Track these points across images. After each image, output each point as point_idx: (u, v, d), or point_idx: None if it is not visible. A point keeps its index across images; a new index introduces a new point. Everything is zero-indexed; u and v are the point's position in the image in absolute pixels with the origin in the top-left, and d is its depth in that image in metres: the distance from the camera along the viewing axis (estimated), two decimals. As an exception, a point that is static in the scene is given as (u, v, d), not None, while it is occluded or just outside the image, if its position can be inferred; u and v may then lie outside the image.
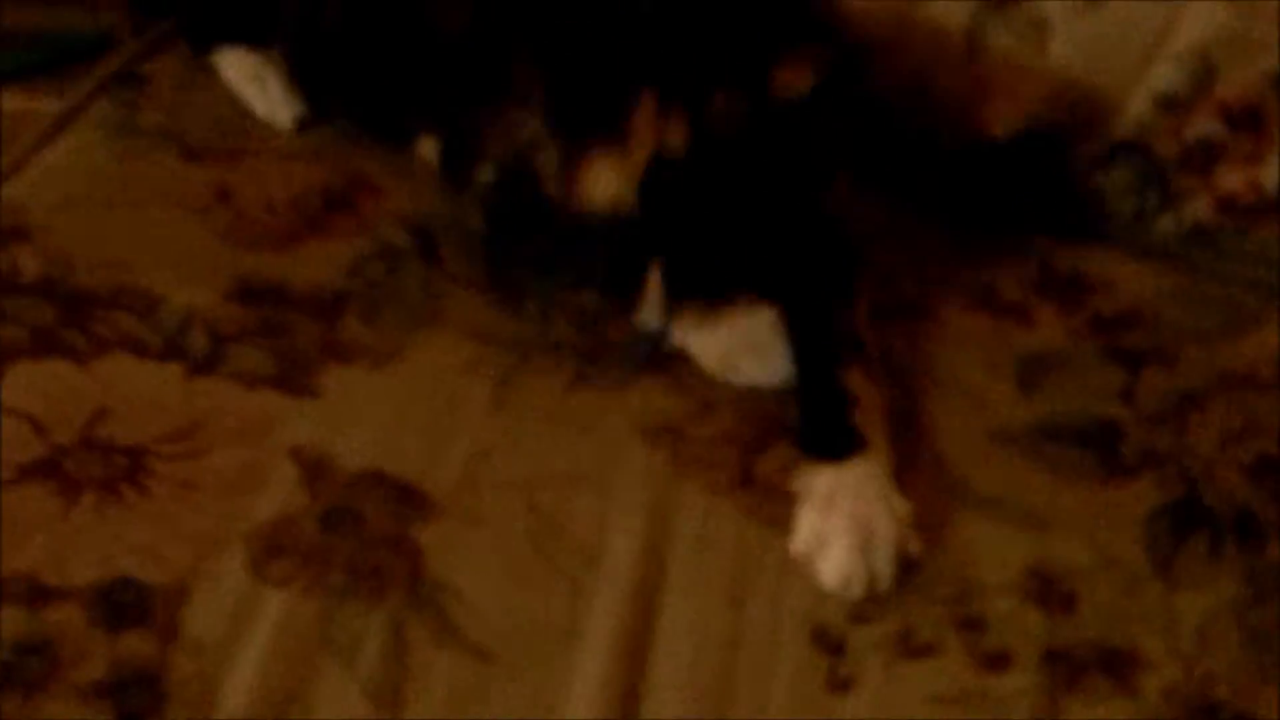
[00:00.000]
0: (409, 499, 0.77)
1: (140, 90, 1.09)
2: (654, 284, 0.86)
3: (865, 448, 0.79)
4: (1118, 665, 0.72)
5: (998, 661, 0.72)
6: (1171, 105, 0.95)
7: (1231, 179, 0.96)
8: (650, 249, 0.85)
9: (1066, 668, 0.72)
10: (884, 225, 0.99)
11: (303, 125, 1.07)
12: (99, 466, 0.77)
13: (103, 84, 1.10)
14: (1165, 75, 0.95)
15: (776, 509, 0.78)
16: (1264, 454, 0.82)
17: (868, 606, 0.74)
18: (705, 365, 0.86)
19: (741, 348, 0.85)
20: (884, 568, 0.75)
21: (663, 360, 0.87)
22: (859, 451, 0.79)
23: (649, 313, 0.86)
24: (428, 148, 1.02)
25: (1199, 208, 0.98)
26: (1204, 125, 0.95)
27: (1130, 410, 0.86)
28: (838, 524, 0.76)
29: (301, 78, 1.08)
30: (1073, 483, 0.81)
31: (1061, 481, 0.81)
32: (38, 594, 0.70)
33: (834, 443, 0.80)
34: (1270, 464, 0.82)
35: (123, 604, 0.71)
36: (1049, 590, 0.75)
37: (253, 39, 1.10)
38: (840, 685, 0.71)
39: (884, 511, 0.77)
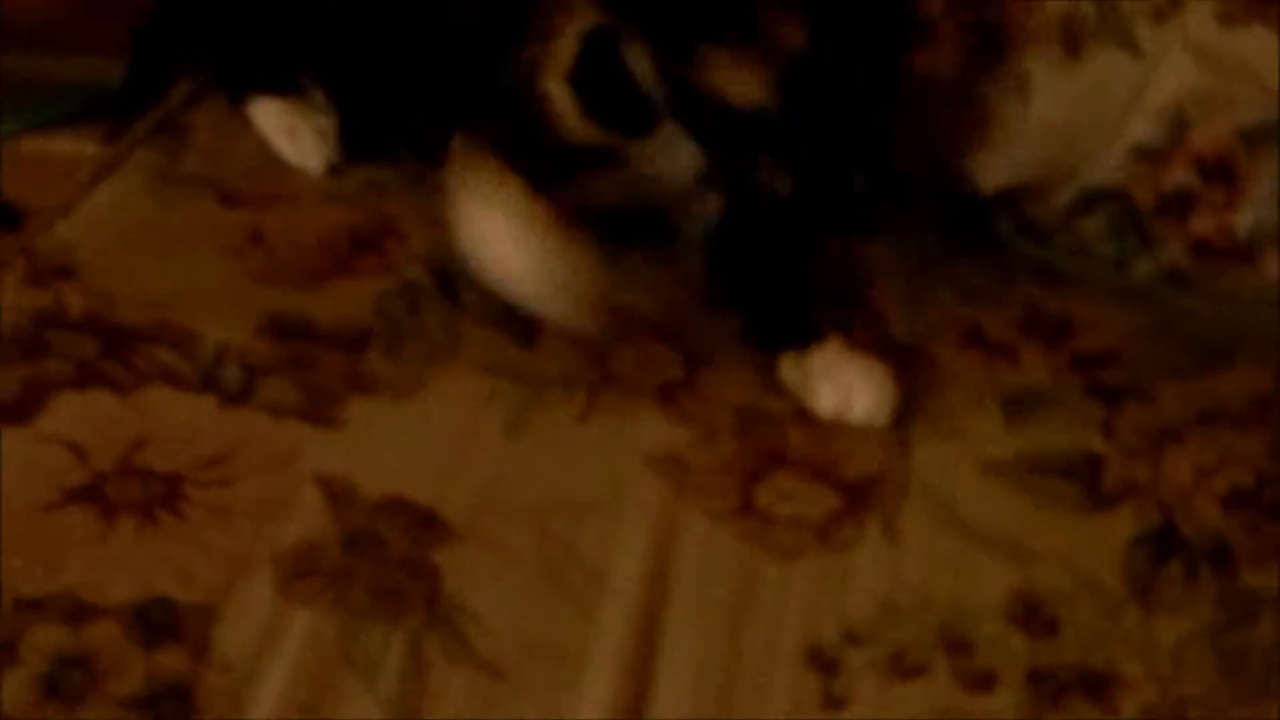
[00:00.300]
0: (427, 524, 0.79)
1: (181, 139, 1.12)
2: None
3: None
4: (1098, 686, 0.73)
5: (984, 682, 0.73)
6: (1148, 156, 0.97)
7: (1205, 225, 0.97)
8: (786, 148, 0.88)
9: (1049, 688, 0.73)
10: (877, 266, 1.01)
11: (333, 170, 1.09)
12: (137, 491, 0.80)
13: (146, 132, 1.12)
14: (1142, 128, 0.96)
15: (774, 535, 0.80)
16: (1238, 486, 0.83)
17: (861, 629, 0.75)
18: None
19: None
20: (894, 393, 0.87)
21: (671, 391, 0.89)
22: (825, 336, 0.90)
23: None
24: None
25: (1175, 252, 0.99)
26: (1179, 175, 0.96)
27: (1111, 444, 0.87)
28: (850, 375, 0.88)
29: (340, 110, 1.10)
30: (1056, 512, 0.82)
31: (1045, 511, 0.82)
32: (78, 611, 0.73)
33: (806, 330, 0.91)
34: (1244, 495, 0.83)
35: (157, 622, 0.73)
36: (1033, 615, 0.76)
37: (283, 88, 1.12)
38: (835, 704, 0.72)
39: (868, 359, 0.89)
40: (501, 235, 0.88)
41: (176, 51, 1.19)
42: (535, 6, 0.94)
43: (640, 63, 0.89)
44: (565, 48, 0.92)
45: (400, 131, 1.09)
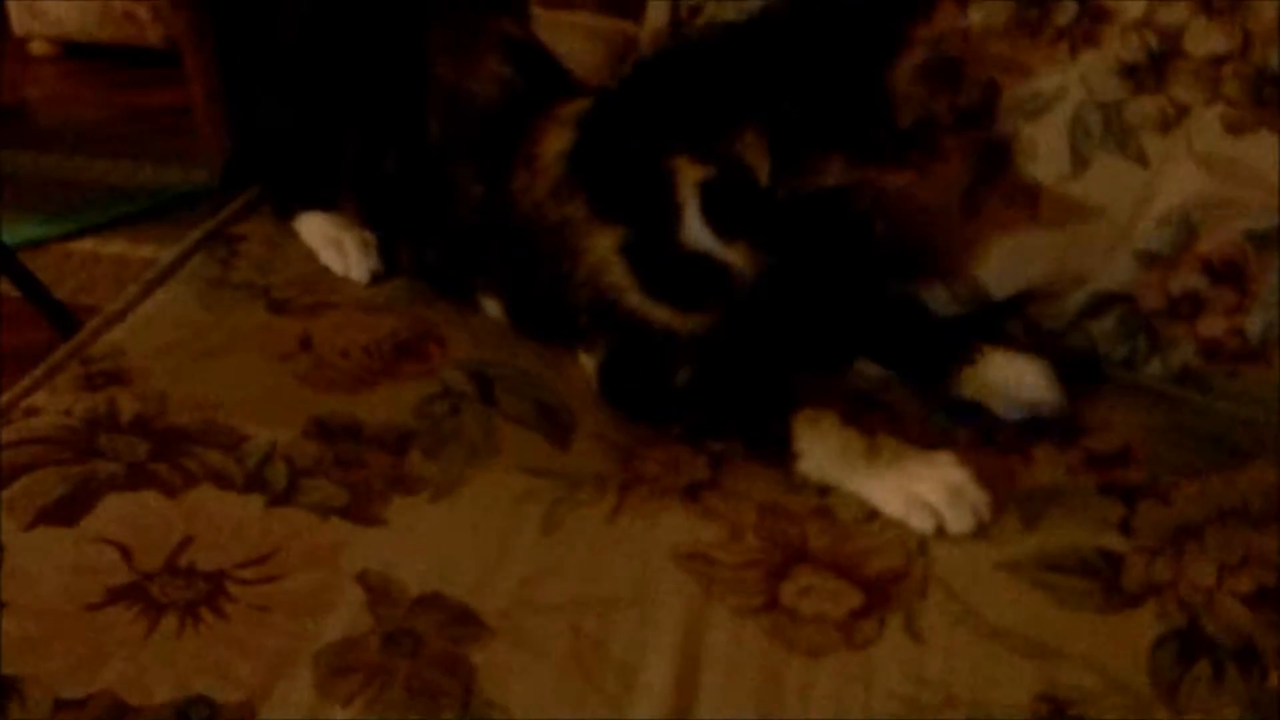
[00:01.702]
0: (464, 621, 0.75)
1: (232, 248, 1.10)
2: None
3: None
4: (1129, 787, 0.67)
5: (1013, 783, 0.67)
6: (1155, 261, 0.93)
7: (1215, 327, 0.93)
8: None
9: (1080, 789, 0.67)
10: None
11: (376, 279, 1.07)
12: (181, 591, 0.75)
13: (199, 242, 1.10)
14: (1150, 235, 0.93)
15: (799, 632, 0.75)
16: (1262, 584, 0.78)
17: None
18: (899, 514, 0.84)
19: (939, 498, 0.83)
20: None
21: (697, 490, 0.85)
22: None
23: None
24: (491, 306, 1.03)
25: (1185, 353, 0.94)
26: (1187, 279, 0.93)
27: (1129, 542, 0.81)
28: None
29: (376, 232, 1.09)
30: (1077, 611, 0.77)
31: (1066, 610, 0.77)
32: (118, 712, 0.68)
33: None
34: (1268, 594, 0.77)
35: (196, 722, 0.68)
36: (1060, 715, 0.70)
37: (327, 205, 1.11)
38: (863, 802, 0.66)
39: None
40: None
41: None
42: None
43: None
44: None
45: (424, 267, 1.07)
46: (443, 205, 1.02)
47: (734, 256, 0.89)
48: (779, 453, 0.86)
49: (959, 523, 0.82)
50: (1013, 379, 0.91)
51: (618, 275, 0.92)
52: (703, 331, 0.91)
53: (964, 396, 0.93)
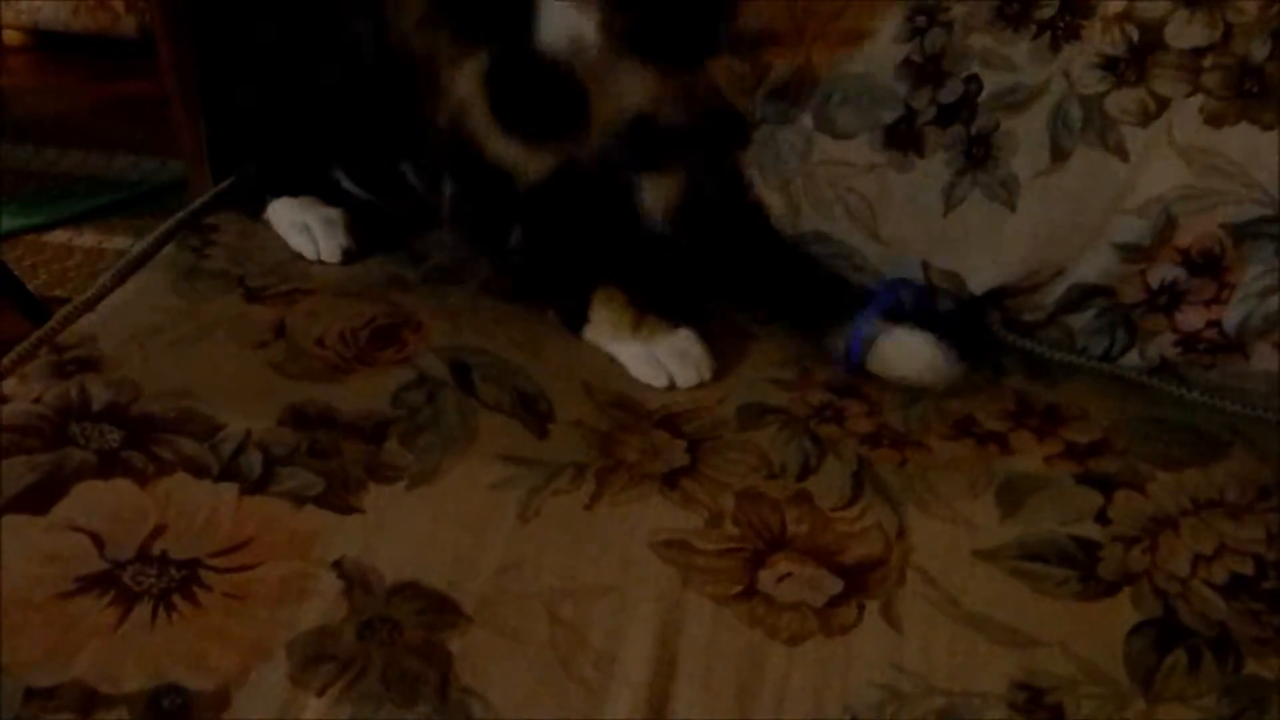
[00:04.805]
0: (441, 609, 0.74)
1: (206, 237, 1.09)
2: None
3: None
4: (1105, 775, 0.67)
5: (990, 769, 0.67)
6: (1135, 253, 0.93)
7: (1193, 319, 0.93)
8: None
9: (1056, 777, 0.66)
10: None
11: (351, 258, 1.07)
12: (154, 579, 0.74)
13: (172, 230, 1.09)
14: (1128, 227, 0.92)
15: (778, 619, 0.74)
16: (1236, 574, 0.78)
17: (865, 716, 0.69)
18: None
19: (672, 360, 0.95)
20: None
21: (676, 477, 0.84)
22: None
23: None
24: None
25: (1163, 345, 0.94)
26: (1166, 271, 0.93)
27: (1106, 531, 0.81)
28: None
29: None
30: (1054, 599, 0.77)
31: (1044, 598, 0.77)
32: (89, 701, 0.66)
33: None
34: (1243, 583, 0.77)
35: (169, 710, 0.66)
36: (1036, 702, 0.70)
37: (295, 190, 1.10)
38: (841, 790, 0.66)
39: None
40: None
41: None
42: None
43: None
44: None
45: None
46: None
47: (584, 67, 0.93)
48: (576, 320, 0.99)
49: (684, 378, 0.95)
50: (898, 355, 0.95)
51: (478, 116, 0.95)
52: (546, 177, 0.97)
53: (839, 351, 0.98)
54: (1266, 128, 0.89)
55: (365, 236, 1.09)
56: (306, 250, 1.07)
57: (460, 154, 0.97)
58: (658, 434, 0.88)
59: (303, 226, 1.08)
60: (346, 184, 1.12)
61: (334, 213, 1.09)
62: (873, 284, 1.01)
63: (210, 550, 0.76)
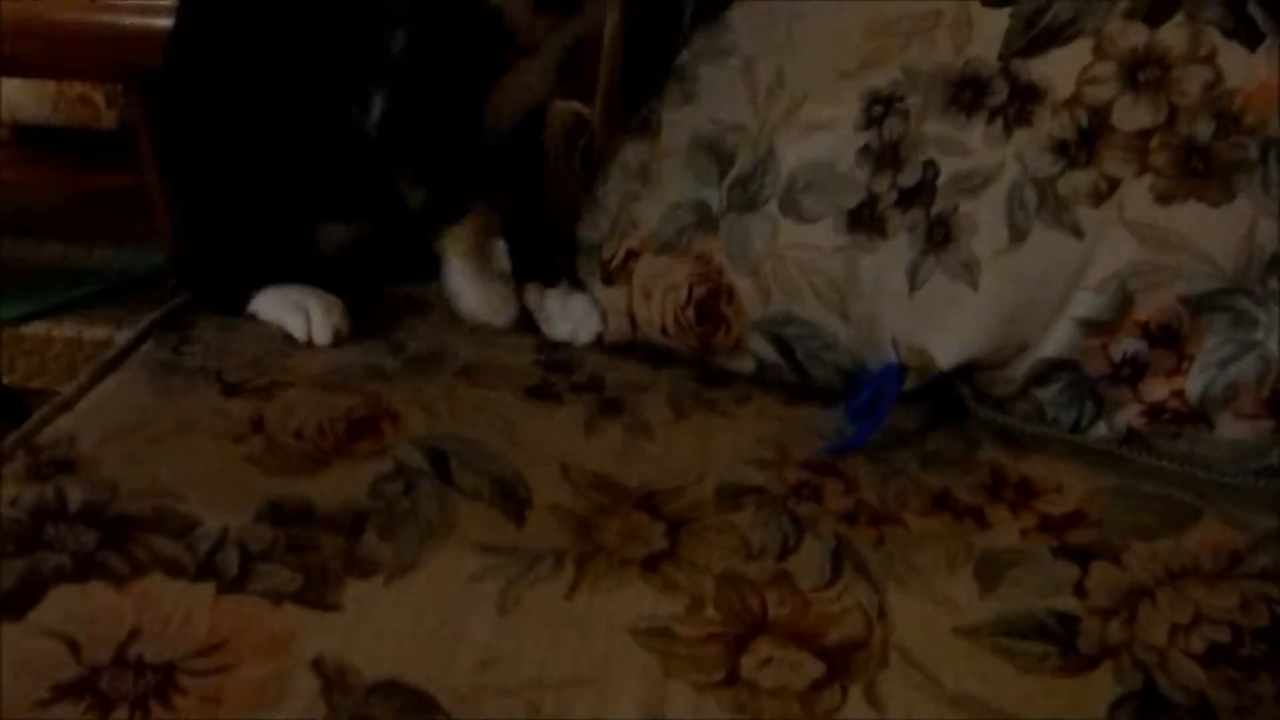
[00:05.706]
0: (421, 707, 0.72)
1: (185, 333, 1.09)
2: None
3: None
4: None
5: None
6: (1095, 328, 0.94)
7: (1157, 390, 0.94)
8: None
9: None
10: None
11: (338, 342, 1.09)
12: (130, 684, 0.73)
13: (150, 327, 1.09)
14: (1087, 302, 0.94)
15: (760, 705, 0.74)
16: (1214, 642, 0.78)
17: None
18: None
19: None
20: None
21: (655, 561, 0.83)
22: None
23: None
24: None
25: (1130, 416, 0.95)
26: (1128, 344, 0.94)
27: (1083, 604, 0.81)
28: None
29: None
30: (1036, 676, 0.76)
31: (1026, 675, 0.76)
32: (66, 812, 0.65)
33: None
34: (1221, 652, 0.77)
35: (145, 820, 0.65)
36: (1022, 782, 0.70)
37: (281, 280, 1.12)
38: None
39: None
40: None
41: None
42: None
43: None
44: None
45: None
46: None
47: None
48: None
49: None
50: (559, 311, 1.12)
51: None
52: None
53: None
54: (1214, 204, 0.91)
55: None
56: (298, 330, 1.08)
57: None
58: (637, 516, 0.88)
59: (297, 306, 1.09)
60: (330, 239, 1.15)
61: (332, 297, 1.10)
62: (847, 363, 1.02)
63: (186, 652, 0.75)
